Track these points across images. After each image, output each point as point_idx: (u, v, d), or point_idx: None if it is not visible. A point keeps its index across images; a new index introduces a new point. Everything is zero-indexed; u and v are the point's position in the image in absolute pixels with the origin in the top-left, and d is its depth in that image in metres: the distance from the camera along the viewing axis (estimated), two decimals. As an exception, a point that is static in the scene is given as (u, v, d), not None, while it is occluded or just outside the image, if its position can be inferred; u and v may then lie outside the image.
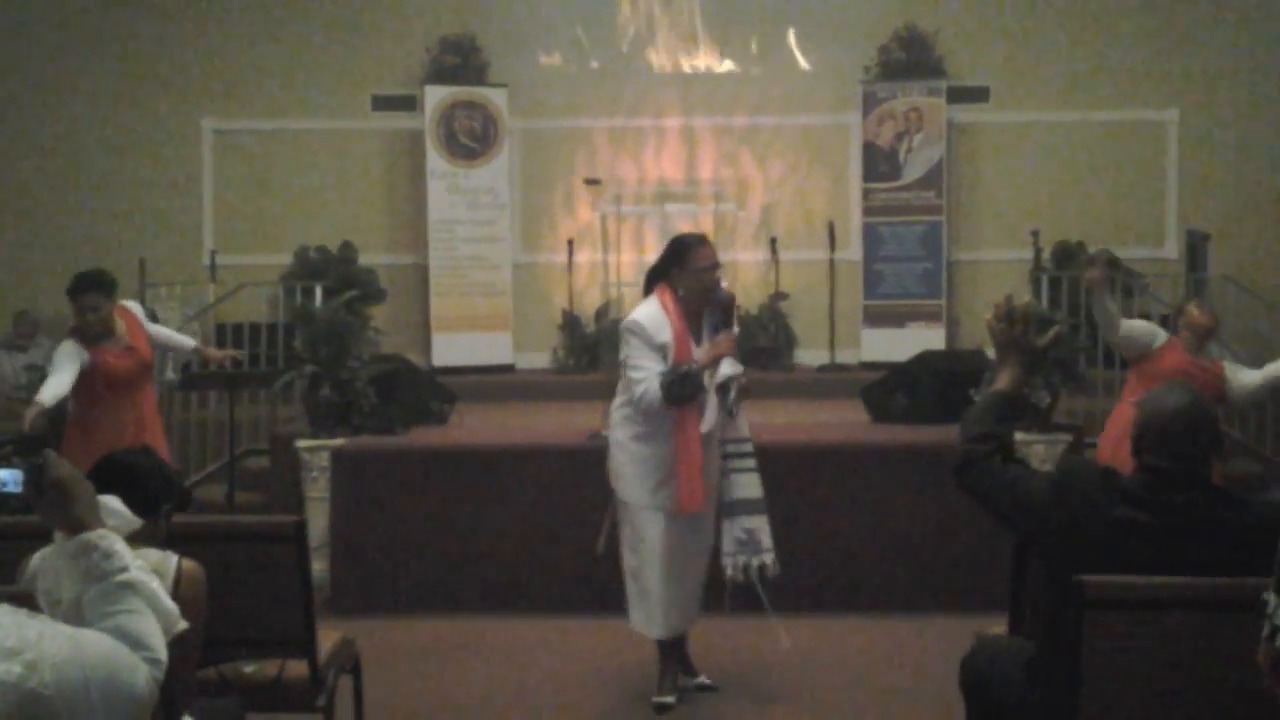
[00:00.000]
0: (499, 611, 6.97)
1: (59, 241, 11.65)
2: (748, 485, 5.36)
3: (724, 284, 5.37)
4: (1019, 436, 6.11)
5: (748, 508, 5.36)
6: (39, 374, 6.98)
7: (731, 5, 11.96)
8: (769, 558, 5.39)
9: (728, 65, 12.00)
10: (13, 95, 11.89)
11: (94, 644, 2.37)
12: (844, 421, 8.52)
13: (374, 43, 11.94)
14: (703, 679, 5.68)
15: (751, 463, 5.37)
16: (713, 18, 11.98)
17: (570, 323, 11.46)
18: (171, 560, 3.31)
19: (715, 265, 5.29)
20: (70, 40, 11.88)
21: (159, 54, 11.91)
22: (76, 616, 2.53)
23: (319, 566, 6.78)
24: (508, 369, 11.36)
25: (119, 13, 11.89)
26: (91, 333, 6.23)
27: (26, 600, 2.62)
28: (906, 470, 7.16)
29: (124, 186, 11.91)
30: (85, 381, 6.21)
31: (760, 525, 5.37)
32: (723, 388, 5.24)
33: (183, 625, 2.72)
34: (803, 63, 11.89)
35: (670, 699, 5.48)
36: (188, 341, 7.27)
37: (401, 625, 6.75)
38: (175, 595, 3.04)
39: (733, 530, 5.35)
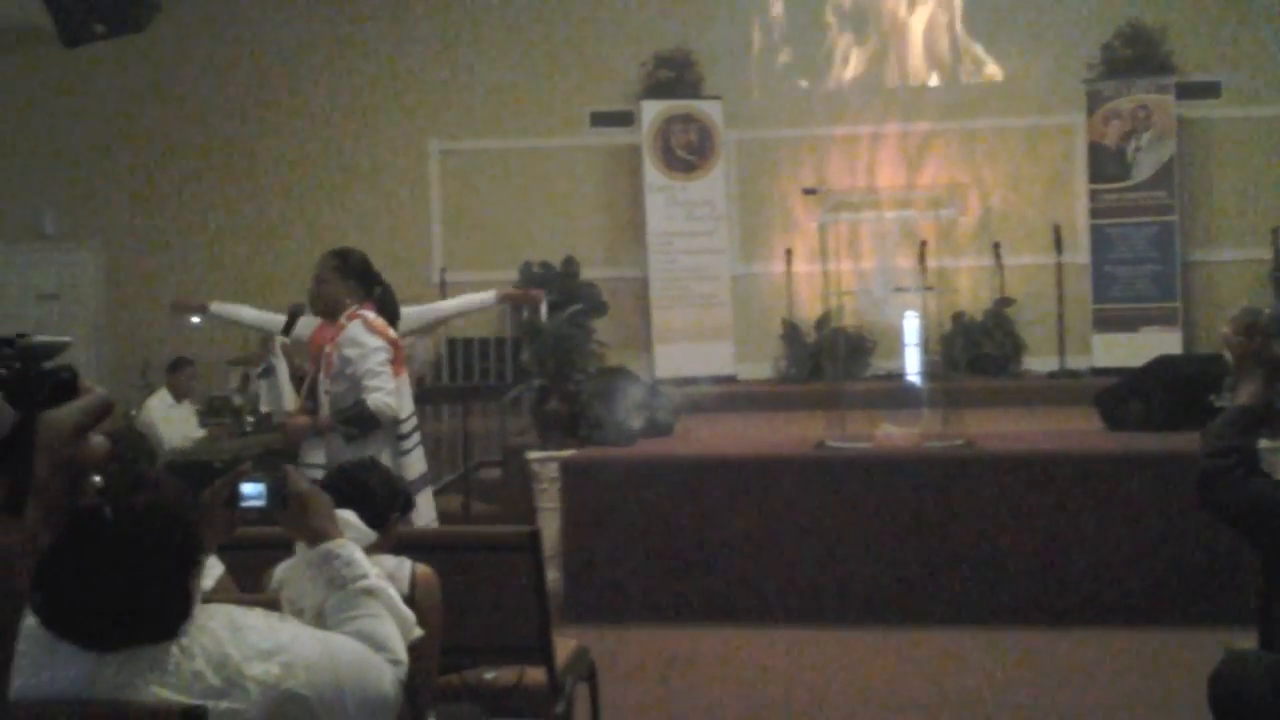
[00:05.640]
0: (727, 621, 6.96)
1: (288, 261, 12.15)
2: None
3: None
4: (1262, 444, 5.87)
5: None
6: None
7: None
8: None
9: (945, 70, 11.82)
10: (245, 120, 12.44)
11: (342, 646, 2.43)
12: (1077, 429, 8.29)
13: (591, 60, 12.15)
14: None
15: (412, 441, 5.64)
16: (929, 22, 11.82)
17: (790, 332, 11.43)
18: (405, 566, 3.40)
19: None
20: (301, 67, 12.39)
21: (387, 77, 12.33)
22: (319, 623, 2.58)
23: (551, 575, 6.86)
24: (729, 379, 11.39)
25: (348, 38, 12.36)
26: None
27: (275, 606, 2.70)
28: (1145, 479, 6.92)
29: (355, 207, 12.36)
30: None
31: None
32: None
33: (418, 632, 2.77)
34: (1023, 63, 11.64)
35: None
36: (473, 300, 6.91)
37: (632, 634, 6.81)
38: (411, 599, 3.12)
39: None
